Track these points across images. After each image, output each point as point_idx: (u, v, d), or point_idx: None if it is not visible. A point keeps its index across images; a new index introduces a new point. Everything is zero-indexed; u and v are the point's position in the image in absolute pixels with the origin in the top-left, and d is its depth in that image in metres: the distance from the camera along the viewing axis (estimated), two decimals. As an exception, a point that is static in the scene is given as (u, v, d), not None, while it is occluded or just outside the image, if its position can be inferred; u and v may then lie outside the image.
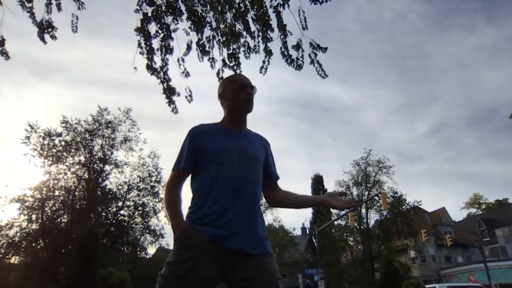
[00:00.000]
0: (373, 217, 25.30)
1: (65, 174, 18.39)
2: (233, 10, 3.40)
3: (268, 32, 3.28)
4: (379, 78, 75.43)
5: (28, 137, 17.32)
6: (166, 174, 21.16)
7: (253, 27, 3.36)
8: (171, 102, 3.49)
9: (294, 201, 1.77)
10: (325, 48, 3.11)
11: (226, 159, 1.54)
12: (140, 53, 3.37)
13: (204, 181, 1.54)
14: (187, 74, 3.59)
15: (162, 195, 20.45)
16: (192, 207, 1.56)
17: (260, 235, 1.54)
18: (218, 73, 3.59)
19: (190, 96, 3.66)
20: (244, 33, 3.42)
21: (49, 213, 17.95)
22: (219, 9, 3.46)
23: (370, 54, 76.52)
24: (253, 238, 1.50)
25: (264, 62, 3.38)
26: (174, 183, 1.62)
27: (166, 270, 1.45)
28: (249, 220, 1.51)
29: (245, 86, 1.68)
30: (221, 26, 3.51)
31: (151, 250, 24.65)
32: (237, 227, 1.46)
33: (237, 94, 1.66)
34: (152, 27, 3.33)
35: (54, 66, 63.01)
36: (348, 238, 25.46)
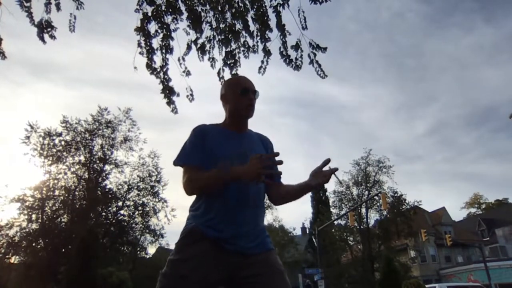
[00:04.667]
0: (373, 217, 25.32)
1: (65, 174, 18.41)
2: (233, 9, 3.40)
3: (267, 32, 3.28)
4: (377, 78, 75.40)
5: (28, 137, 17.34)
6: (166, 174, 21.13)
7: (252, 27, 3.36)
8: (170, 102, 3.49)
9: (291, 195, 1.68)
10: (325, 48, 3.11)
11: (228, 163, 1.53)
12: (140, 53, 3.37)
13: None
14: (188, 73, 3.58)
15: (162, 194, 20.45)
16: (195, 210, 1.56)
17: (261, 235, 1.56)
18: (218, 73, 3.59)
19: (191, 95, 3.66)
20: (243, 32, 3.42)
21: (49, 213, 17.95)
22: (219, 8, 3.46)
23: (368, 53, 76.58)
24: (254, 239, 1.52)
25: (262, 62, 3.38)
26: (194, 172, 1.53)
27: (168, 269, 1.44)
28: (251, 223, 1.52)
29: (248, 91, 1.64)
30: (221, 25, 3.51)
31: (151, 250, 24.63)
32: (238, 230, 1.48)
33: (238, 98, 1.64)
34: (152, 27, 3.33)
35: (52, 66, 63.03)
36: (348, 238, 25.44)
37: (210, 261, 1.42)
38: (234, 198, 1.50)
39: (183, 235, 1.50)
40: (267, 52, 3.35)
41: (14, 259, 18.47)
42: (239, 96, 1.64)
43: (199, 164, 1.54)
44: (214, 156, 1.54)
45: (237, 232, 1.47)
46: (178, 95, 3.52)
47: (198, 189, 1.53)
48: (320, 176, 1.57)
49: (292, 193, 1.67)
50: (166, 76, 3.47)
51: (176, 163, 1.59)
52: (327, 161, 1.58)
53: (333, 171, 1.57)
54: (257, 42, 3.38)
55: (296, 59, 3.21)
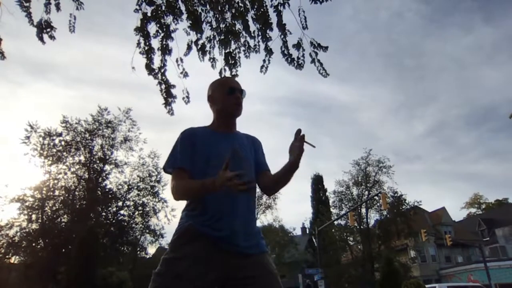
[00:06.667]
0: (373, 217, 25.34)
1: (65, 174, 18.39)
2: (233, 9, 3.38)
3: (268, 31, 3.26)
4: (377, 78, 75.42)
5: (28, 137, 17.33)
6: (166, 174, 21.13)
7: (252, 27, 3.35)
8: (167, 103, 3.48)
9: (281, 179, 1.64)
10: (326, 47, 3.10)
11: (220, 163, 1.52)
12: (140, 53, 3.36)
13: None
14: (185, 74, 3.57)
15: (162, 195, 20.44)
16: (191, 210, 1.57)
17: (256, 235, 1.59)
18: (220, 73, 3.57)
19: (187, 97, 3.64)
20: (243, 32, 3.41)
21: (49, 213, 17.94)
22: (219, 8, 3.45)
23: (368, 53, 76.58)
24: (250, 239, 1.54)
25: (264, 61, 3.36)
26: (179, 179, 1.54)
27: (163, 267, 1.44)
28: (246, 222, 1.55)
29: (234, 90, 1.69)
30: (221, 26, 3.50)
31: (151, 250, 24.64)
32: (235, 230, 1.49)
33: (226, 98, 1.68)
34: (152, 27, 3.32)
35: (51, 66, 62.99)
36: (348, 238, 25.45)
37: (206, 260, 1.43)
38: (229, 199, 1.51)
39: (178, 234, 1.51)
40: (269, 51, 3.33)
41: (14, 259, 18.48)
42: (226, 95, 1.67)
43: (187, 168, 1.56)
44: (205, 156, 1.56)
45: (234, 232, 1.48)
46: (175, 97, 3.51)
47: (182, 196, 1.53)
48: (295, 148, 1.53)
49: (282, 178, 1.63)
50: (164, 77, 3.46)
51: (165, 169, 1.62)
52: (299, 131, 1.55)
53: (302, 138, 1.51)
54: (258, 41, 3.37)
55: (298, 58, 3.20)
